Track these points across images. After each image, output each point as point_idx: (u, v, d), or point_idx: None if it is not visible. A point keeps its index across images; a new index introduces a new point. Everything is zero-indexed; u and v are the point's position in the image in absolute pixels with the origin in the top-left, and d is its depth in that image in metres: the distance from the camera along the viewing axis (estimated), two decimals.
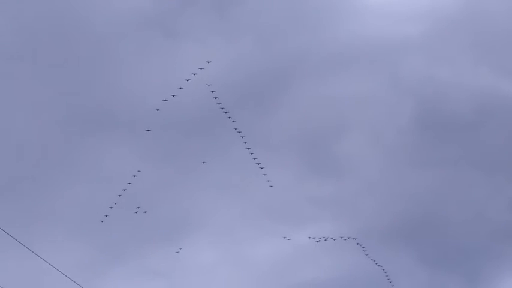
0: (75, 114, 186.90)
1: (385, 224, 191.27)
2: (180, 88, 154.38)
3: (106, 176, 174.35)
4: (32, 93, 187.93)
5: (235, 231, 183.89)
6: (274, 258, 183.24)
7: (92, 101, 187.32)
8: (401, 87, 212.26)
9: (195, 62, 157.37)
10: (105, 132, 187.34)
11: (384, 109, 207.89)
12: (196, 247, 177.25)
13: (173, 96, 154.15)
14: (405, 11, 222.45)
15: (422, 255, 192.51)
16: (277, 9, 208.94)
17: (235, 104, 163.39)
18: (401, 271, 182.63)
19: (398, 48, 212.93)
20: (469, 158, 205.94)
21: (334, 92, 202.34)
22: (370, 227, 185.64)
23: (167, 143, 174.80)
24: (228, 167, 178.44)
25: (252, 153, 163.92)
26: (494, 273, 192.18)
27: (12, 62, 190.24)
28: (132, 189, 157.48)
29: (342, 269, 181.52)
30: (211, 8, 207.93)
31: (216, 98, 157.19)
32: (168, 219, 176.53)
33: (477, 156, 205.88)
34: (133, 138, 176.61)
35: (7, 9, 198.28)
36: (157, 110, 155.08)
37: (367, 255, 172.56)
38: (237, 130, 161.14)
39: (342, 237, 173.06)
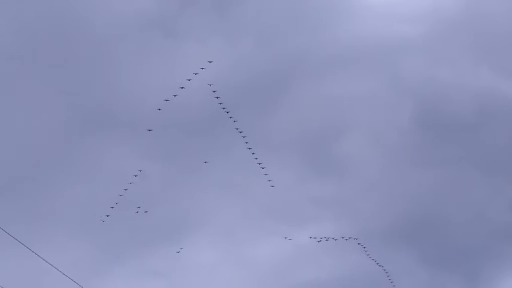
0: (76, 114, 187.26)
1: (386, 224, 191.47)
2: (182, 88, 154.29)
3: (107, 176, 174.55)
4: (33, 93, 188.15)
5: (236, 231, 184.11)
6: (275, 259, 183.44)
7: (93, 101, 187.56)
8: (401, 88, 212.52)
9: (195, 62, 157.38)
10: (106, 132, 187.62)
11: (384, 110, 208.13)
12: (196, 247, 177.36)
13: (175, 96, 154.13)
14: (405, 11, 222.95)
15: (423, 255, 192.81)
16: (277, 9, 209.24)
17: (235, 104, 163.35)
18: (402, 271, 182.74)
19: (399, 48, 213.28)
20: (469, 158, 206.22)
21: (334, 92, 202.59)
22: (371, 227, 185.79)
23: (168, 142, 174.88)
24: (229, 166, 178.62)
25: (253, 153, 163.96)
26: (494, 273, 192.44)
27: (13, 62, 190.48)
28: (133, 189, 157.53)
29: (343, 269, 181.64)
30: (212, 8, 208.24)
31: (217, 97, 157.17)
32: (169, 219, 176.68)
33: (477, 157, 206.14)
34: (134, 138, 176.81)
35: (9, 9, 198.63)
36: (159, 109, 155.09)
37: (368, 255, 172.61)
38: (238, 130, 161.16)
39: (343, 237, 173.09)
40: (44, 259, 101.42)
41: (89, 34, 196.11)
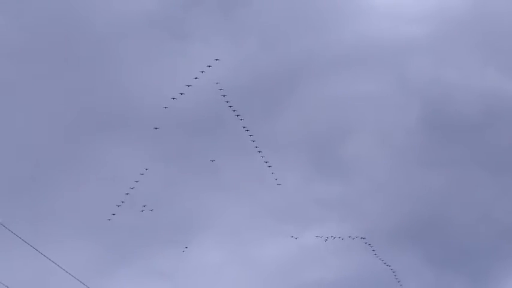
0: (83, 114, 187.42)
1: (392, 225, 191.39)
2: (189, 86, 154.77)
3: (113, 175, 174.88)
4: (40, 93, 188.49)
5: (242, 232, 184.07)
6: (281, 259, 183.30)
7: (100, 100, 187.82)
8: (408, 89, 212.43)
9: (201, 62, 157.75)
10: (112, 131, 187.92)
11: (391, 110, 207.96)
12: (202, 247, 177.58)
13: (181, 94, 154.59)
14: (412, 12, 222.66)
15: (429, 256, 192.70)
16: (283, 10, 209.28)
17: (242, 105, 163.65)
18: (408, 271, 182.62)
19: (405, 49, 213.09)
20: (476, 158, 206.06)
21: (341, 92, 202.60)
22: (377, 228, 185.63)
23: (175, 141, 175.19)
24: (235, 166, 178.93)
25: (260, 152, 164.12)
26: (500, 273, 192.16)
27: (21, 63, 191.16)
28: (140, 188, 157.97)
29: (349, 269, 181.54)
30: (217, 9, 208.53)
31: (224, 96, 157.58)
32: (175, 219, 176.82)
33: (484, 157, 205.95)
34: (140, 137, 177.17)
35: (18, 11, 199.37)
36: (165, 107, 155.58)
37: (375, 254, 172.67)
38: (245, 128, 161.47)
39: (349, 237, 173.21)
40: (50, 259, 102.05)
41: (95, 35, 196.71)
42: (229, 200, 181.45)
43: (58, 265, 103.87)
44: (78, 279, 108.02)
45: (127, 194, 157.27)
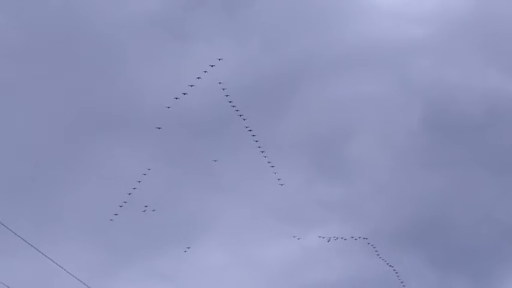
0: (86, 113, 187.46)
1: (395, 226, 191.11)
2: (191, 86, 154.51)
3: (115, 175, 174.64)
4: (42, 93, 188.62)
5: (245, 233, 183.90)
6: (284, 260, 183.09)
7: (102, 101, 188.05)
8: (410, 89, 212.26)
9: (204, 62, 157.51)
10: (114, 131, 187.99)
11: (393, 111, 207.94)
12: (205, 248, 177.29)
13: (184, 94, 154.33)
14: (414, 12, 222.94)
15: (431, 257, 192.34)
16: (285, 10, 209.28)
17: (244, 106, 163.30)
18: (410, 272, 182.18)
19: (407, 50, 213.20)
20: (477, 159, 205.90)
21: (342, 93, 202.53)
22: (379, 229, 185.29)
23: (177, 141, 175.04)
24: (238, 166, 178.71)
25: (262, 151, 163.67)
26: (502, 274, 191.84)
27: (22, 63, 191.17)
28: (142, 188, 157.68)
29: (352, 270, 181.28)
30: (220, 9, 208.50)
31: (227, 95, 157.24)
32: (177, 221, 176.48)
33: (486, 158, 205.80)
34: (143, 137, 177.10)
35: (21, 11, 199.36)
36: (168, 107, 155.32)
37: (378, 255, 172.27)
38: (248, 128, 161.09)
39: (352, 237, 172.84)
40: (52, 260, 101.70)
41: (97, 35, 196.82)
42: (232, 200, 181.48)
43: (61, 266, 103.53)
44: (80, 281, 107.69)
45: (129, 194, 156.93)
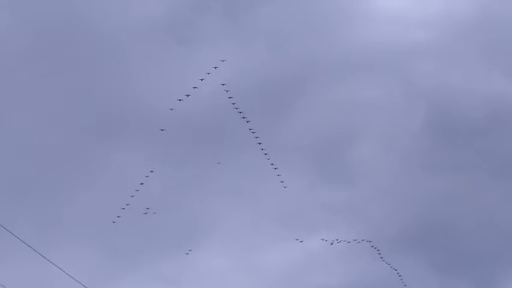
0: (87, 117, 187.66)
1: (398, 230, 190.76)
2: (195, 87, 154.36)
3: (117, 178, 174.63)
4: (44, 96, 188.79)
5: (247, 237, 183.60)
6: (287, 265, 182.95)
7: (104, 104, 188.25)
8: (413, 93, 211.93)
9: (208, 65, 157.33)
10: (117, 134, 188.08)
11: (396, 115, 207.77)
12: (207, 253, 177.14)
13: (187, 96, 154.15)
14: (417, 16, 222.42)
15: (434, 261, 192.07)
16: (289, 14, 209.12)
17: (248, 107, 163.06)
18: (413, 277, 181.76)
19: (411, 53, 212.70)
20: (481, 163, 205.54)
21: (346, 97, 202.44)
22: (382, 233, 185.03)
23: (180, 144, 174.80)
24: (241, 169, 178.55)
25: (266, 154, 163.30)
26: (505, 278, 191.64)
27: (25, 65, 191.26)
28: (144, 191, 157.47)
29: (355, 275, 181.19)
30: (224, 13, 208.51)
31: (230, 97, 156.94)
32: (179, 224, 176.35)
33: (489, 162, 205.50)
34: (145, 139, 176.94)
35: (25, 13, 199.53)
36: (171, 109, 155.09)
37: (381, 258, 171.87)
38: (252, 131, 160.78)
39: (355, 240, 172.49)
40: (55, 264, 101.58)
41: (100, 39, 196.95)
42: (234, 205, 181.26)
43: (63, 270, 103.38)
44: (83, 285, 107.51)
45: (132, 196, 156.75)
